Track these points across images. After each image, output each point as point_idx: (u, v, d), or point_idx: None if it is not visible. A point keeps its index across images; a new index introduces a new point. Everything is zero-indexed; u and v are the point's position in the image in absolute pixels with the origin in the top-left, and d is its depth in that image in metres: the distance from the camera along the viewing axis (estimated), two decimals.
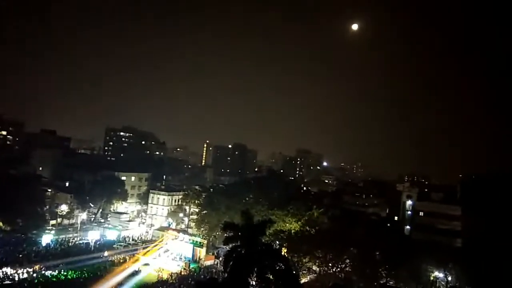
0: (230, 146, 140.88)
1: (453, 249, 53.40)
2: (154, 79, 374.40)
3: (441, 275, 49.84)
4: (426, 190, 67.49)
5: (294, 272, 29.35)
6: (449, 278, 49.27)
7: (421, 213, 62.49)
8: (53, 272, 45.16)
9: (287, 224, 55.71)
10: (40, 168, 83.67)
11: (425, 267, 49.03)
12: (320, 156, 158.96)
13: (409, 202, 64.83)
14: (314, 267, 52.28)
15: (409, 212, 64.36)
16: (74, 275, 45.03)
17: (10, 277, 42.01)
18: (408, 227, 63.14)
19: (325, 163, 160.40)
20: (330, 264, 50.33)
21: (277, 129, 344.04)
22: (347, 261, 51.04)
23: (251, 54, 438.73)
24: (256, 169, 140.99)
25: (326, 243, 49.89)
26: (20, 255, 49.59)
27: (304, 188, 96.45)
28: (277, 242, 51.77)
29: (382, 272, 48.56)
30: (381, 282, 47.10)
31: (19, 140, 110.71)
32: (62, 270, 45.83)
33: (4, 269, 43.27)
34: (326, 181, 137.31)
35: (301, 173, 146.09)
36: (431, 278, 50.41)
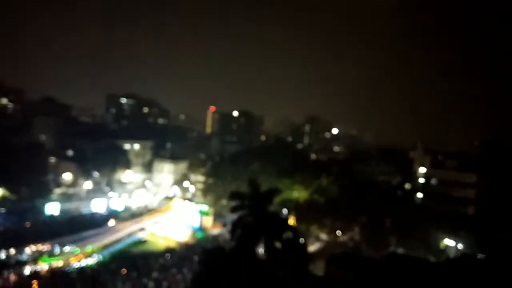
0: (235, 113, 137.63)
1: (466, 216, 52.18)
2: (156, 44, 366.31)
3: (452, 243, 48.83)
4: (440, 157, 65.28)
5: (302, 240, 28.52)
6: (460, 246, 48.33)
7: (434, 181, 60.88)
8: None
9: (295, 193, 54.54)
10: (44, 137, 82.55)
11: (436, 235, 48.06)
12: (330, 123, 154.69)
13: (421, 170, 63.00)
14: (323, 236, 51.75)
15: (421, 180, 62.71)
16: None
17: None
18: (419, 195, 61.71)
19: (334, 130, 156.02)
20: (338, 233, 49.65)
21: (284, 94, 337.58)
22: (356, 229, 50.38)
23: (257, 19, 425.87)
24: (262, 137, 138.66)
25: (335, 211, 48.99)
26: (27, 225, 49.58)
27: (313, 156, 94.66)
28: (285, 210, 50.91)
29: (391, 240, 47.84)
30: (391, 250, 46.30)
31: (20, 108, 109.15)
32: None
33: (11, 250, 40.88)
34: (336, 148, 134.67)
35: (309, 140, 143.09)
36: (442, 246, 49.47)
